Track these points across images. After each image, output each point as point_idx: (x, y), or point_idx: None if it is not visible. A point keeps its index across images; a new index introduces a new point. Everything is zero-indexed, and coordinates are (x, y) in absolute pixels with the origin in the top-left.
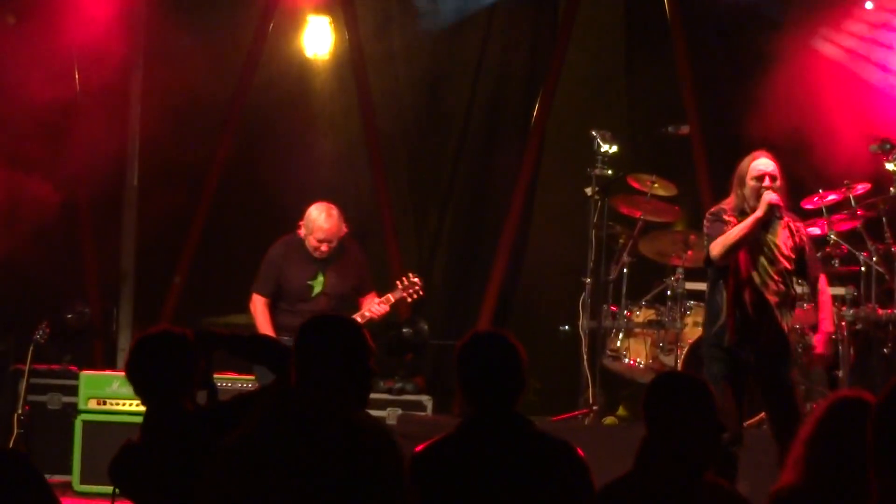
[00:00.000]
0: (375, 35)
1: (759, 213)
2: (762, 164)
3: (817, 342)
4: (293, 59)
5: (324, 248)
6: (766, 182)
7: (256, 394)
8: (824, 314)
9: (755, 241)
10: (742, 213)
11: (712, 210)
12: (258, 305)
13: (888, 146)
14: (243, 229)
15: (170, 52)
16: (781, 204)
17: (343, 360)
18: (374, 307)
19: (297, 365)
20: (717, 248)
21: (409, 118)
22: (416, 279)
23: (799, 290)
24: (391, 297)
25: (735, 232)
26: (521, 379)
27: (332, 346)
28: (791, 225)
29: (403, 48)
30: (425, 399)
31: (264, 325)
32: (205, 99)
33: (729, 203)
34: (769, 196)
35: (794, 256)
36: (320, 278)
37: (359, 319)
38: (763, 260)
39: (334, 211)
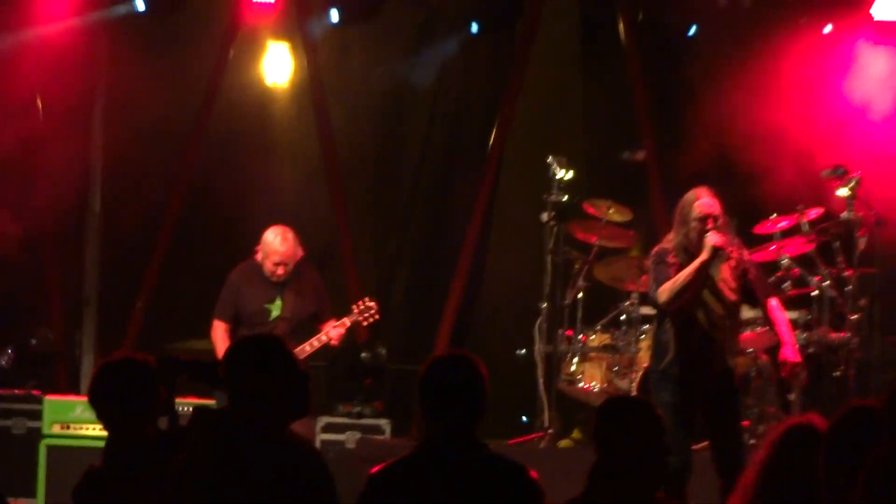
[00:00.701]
0: (334, 62)
1: (704, 256)
2: (704, 204)
3: (787, 354)
4: (253, 86)
5: (279, 270)
6: (709, 223)
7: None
8: (783, 328)
9: (704, 280)
10: (685, 251)
11: (655, 251)
12: (218, 331)
13: (840, 172)
14: (205, 255)
15: (131, 81)
16: (724, 245)
17: (271, 375)
18: (330, 331)
19: (230, 388)
20: (664, 294)
21: (368, 145)
22: (371, 303)
23: (752, 314)
24: (347, 322)
25: (681, 278)
26: (482, 402)
27: (257, 365)
28: (733, 254)
29: (362, 75)
30: (384, 423)
31: (223, 351)
32: (166, 127)
33: (671, 241)
34: (713, 239)
35: (738, 285)
36: (278, 302)
37: (315, 343)
38: (708, 296)
39: (290, 234)
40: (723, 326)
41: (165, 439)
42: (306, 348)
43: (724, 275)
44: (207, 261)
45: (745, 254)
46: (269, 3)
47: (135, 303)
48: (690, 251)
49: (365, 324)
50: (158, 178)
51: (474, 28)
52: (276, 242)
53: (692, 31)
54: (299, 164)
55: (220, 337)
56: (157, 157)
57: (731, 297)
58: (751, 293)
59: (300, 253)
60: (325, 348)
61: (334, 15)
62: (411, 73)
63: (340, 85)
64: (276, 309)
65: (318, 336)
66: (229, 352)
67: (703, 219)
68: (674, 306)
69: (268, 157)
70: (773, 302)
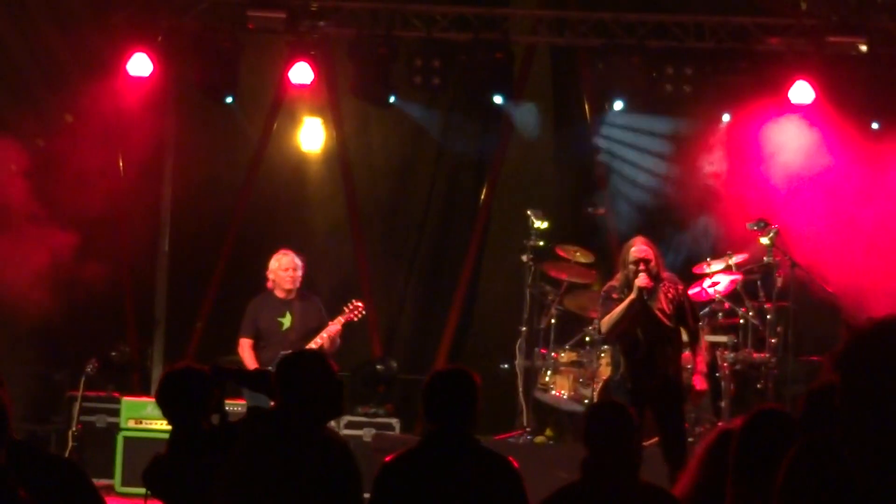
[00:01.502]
0: (357, 132)
1: (632, 296)
2: (638, 250)
3: (695, 381)
4: (292, 152)
5: (292, 273)
6: (641, 266)
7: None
8: (698, 358)
9: (643, 310)
10: (627, 287)
11: (604, 289)
12: (245, 347)
13: (762, 224)
14: (251, 285)
15: (195, 147)
16: (650, 286)
17: (314, 383)
18: (329, 328)
19: (280, 391)
20: (604, 326)
21: (383, 200)
22: (359, 303)
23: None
24: (341, 319)
25: (616, 313)
26: (473, 408)
27: (304, 375)
28: (670, 290)
29: (379, 143)
30: (394, 421)
31: (250, 362)
32: (222, 184)
33: (617, 279)
34: (640, 281)
35: (673, 314)
36: (288, 316)
37: (318, 340)
38: (648, 322)
39: (288, 250)
40: (662, 346)
41: (217, 432)
42: (312, 346)
43: (662, 305)
44: (253, 290)
45: (681, 289)
46: (306, 85)
47: (195, 324)
48: (631, 287)
49: (355, 320)
50: (215, 225)
51: (499, 99)
52: (280, 256)
53: (620, 106)
54: (328, 216)
55: (246, 351)
56: (214, 208)
57: (667, 322)
58: (684, 321)
59: (301, 263)
60: (343, 357)
61: (392, 98)
62: (418, 143)
63: (362, 152)
64: (286, 322)
65: (320, 334)
66: (282, 364)
67: (637, 262)
68: (612, 335)
69: (303, 209)
70: (699, 334)
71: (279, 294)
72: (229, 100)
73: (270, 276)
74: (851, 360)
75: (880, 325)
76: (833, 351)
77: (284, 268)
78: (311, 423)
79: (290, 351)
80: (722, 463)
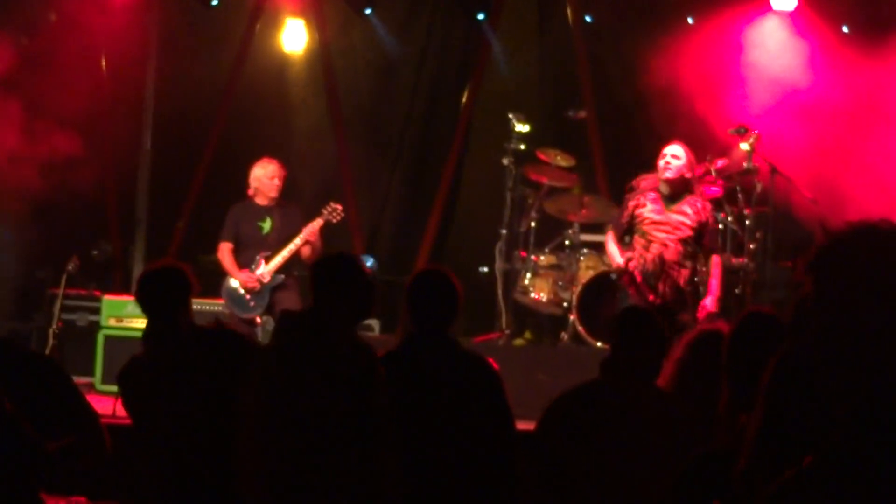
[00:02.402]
0: (340, 33)
1: (618, 265)
2: (668, 148)
3: (707, 303)
4: (274, 52)
5: (276, 182)
6: (665, 159)
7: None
8: (714, 281)
9: (661, 217)
10: (658, 188)
11: (629, 189)
12: (224, 250)
13: (743, 130)
14: (233, 185)
15: (178, 44)
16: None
17: (346, 285)
18: (307, 228)
19: (313, 292)
20: (606, 240)
21: (366, 100)
22: (337, 206)
23: None
24: (320, 220)
25: (609, 254)
26: (455, 307)
27: (336, 276)
28: (697, 203)
29: (362, 43)
30: (374, 322)
31: (229, 265)
32: (205, 83)
33: (652, 178)
34: (622, 262)
35: (696, 226)
36: (268, 221)
37: (298, 242)
38: (668, 228)
39: (272, 158)
40: (676, 253)
41: (195, 334)
42: (291, 247)
43: (683, 216)
44: (235, 191)
45: (708, 206)
46: None
47: (176, 223)
48: (661, 190)
49: (333, 222)
50: (198, 123)
51: (481, 16)
52: (265, 164)
53: (589, 19)
54: (311, 116)
55: (226, 255)
56: (196, 108)
57: (688, 233)
58: (701, 239)
59: (283, 170)
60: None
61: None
62: (401, 43)
63: (344, 53)
64: (266, 226)
65: (299, 235)
66: (315, 266)
67: (662, 157)
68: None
69: (285, 109)
70: (716, 258)
71: (261, 201)
72: (215, 1)
73: (254, 183)
74: (825, 264)
75: (856, 228)
76: (806, 253)
77: (270, 175)
78: (342, 324)
79: (268, 254)
80: (703, 363)
